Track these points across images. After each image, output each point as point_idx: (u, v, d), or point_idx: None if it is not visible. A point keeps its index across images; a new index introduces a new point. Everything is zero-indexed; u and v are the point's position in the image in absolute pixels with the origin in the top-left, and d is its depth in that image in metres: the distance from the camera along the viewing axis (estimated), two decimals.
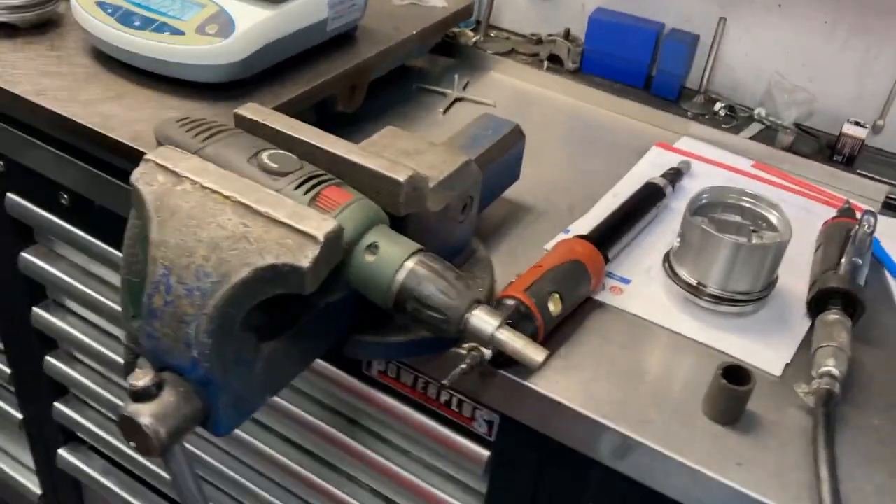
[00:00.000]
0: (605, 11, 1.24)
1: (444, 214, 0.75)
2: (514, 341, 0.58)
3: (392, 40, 1.09)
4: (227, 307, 0.56)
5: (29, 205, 1.09)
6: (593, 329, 0.81)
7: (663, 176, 0.99)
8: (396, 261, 0.58)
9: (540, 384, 0.74)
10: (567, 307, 0.78)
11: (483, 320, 0.58)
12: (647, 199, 0.94)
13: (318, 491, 1.01)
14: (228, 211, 0.57)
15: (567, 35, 1.27)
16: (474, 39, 1.31)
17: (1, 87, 0.90)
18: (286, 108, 0.93)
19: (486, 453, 0.85)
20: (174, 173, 0.60)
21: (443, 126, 1.12)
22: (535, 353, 0.58)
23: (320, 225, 0.55)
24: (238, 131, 0.66)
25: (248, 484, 1.09)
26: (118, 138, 0.82)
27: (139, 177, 0.60)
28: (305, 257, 0.54)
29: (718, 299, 0.82)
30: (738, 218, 0.87)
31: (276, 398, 0.99)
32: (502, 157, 0.89)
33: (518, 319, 0.73)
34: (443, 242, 0.77)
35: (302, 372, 0.70)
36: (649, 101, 1.20)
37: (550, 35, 1.28)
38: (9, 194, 1.10)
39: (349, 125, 1.08)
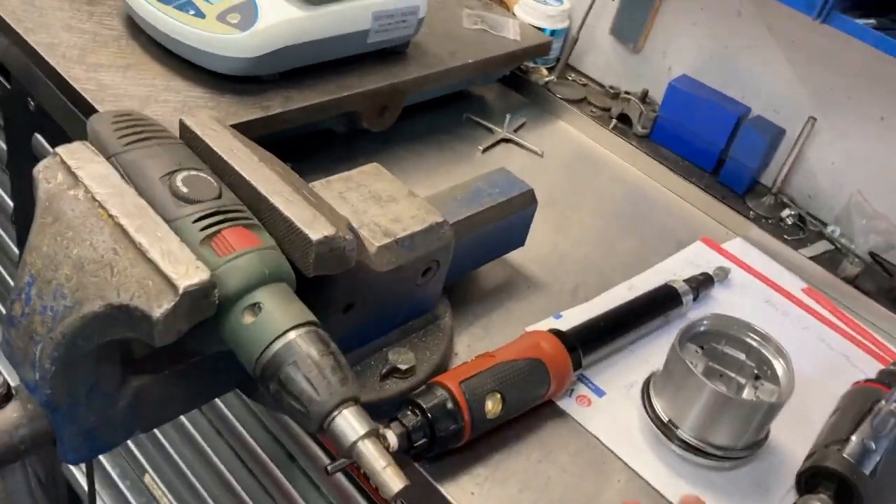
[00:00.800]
0: (690, 81, 1.12)
1: (398, 275, 0.67)
2: (373, 460, 0.50)
3: (440, 66, 1.02)
4: (75, 337, 0.50)
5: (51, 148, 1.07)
6: (540, 440, 0.71)
7: (687, 281, 0.87)
8: (274, 331, 0.51)
9: (450, 490, 0.66)
10: (510, 411, 0.69)
11: (348, 425, 0.50)
12: (654, 306, 0.83)
13: None
14: (106, 231, 0.51)
15: (644, 96, 1.16)
16: (547, 79, 1.21)
17: (19, 32, 0.87)
18: (294, 117, 0.87)
19: None
20: (73, 175, 0.54)
21: (475, 165, 1.04)
22: (391, 480, 0.49)
23: (188, 273, 0.49)
24: (174, 141, 0.60)
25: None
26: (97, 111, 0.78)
27: (41, 170, 0.55)
28: (159, 306, 0.48)
29: (690, 447, 0.71)
30: (742, 356, 0.75)
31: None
32: (503, 220, 0.80)
33: (441, 414, 0.64)
34: (392, 303, 0.70)
35: (190, 411, 0.64)
36: (713, 188, 1.07)
37: (627, 93, 1.17)
38: (36, 135, 1.09)
39: (377, 143, 1.01)
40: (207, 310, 0.50)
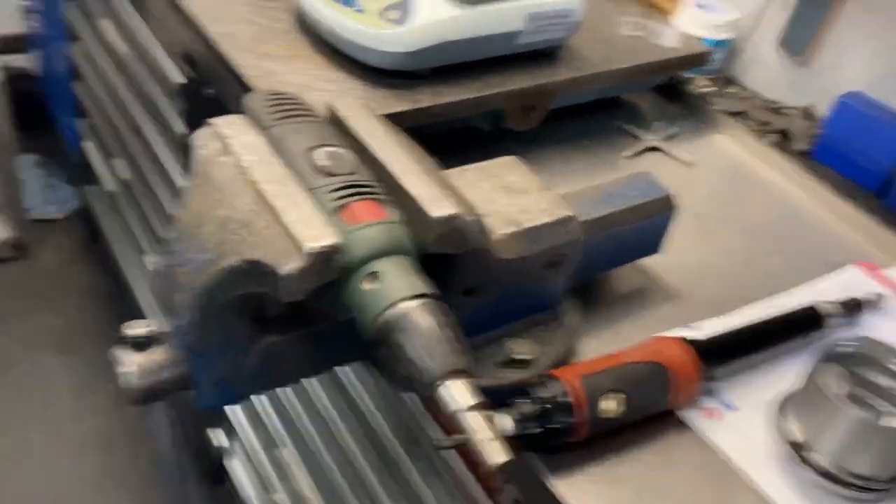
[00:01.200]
0: (861, 98, 1.05)
1: (522, 265, 0.68)
2: (480, 430, 0.50)
3: (591, 69, 1.01)
4: (212, 289, 0.54)
5: None
6: (661, 448, 0.69)
7: (835, 304, 0.82)
8: (391, 297, 0.53)
9: (561, 483, 0.65)
10: (630, 413, 0.67)
11: (453, 395, 0.51)
12: (796, 325, 0.79)
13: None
14: (249, 195, 0.55)
15: (807, 112, 1.10)
16: (705, 90, 1.18)
17: (203, 23, 0.96)
18: (442, 111, 0.90)
19: None
20: (225, 144, 0.59)
21: (619, 171, 1.02)
22: (496, 452, 0.50)
23: (315, 237, 0.52)
24: (319, 121, 0.64)
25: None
26: None
27: (198, 138, 0.61)
28: (286, 264, 0.51)
29: (828, 474, 0.66)
30: (891, 383, 0.69)
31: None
32: (638, 223, 0.79)
33: (557, 406, 0.64)
34: (515, 293, 0.70)
35: (316, 374, 0.68)
36: (876, 212, 1.00)
37: (789, 108, 1.11)
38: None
39: (521, 143, 1.02)
40: (330, 273, 0.53)
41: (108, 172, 1.81)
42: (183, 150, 1.28)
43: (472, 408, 0.51)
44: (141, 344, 0.59)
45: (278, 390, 1.19)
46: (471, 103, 0.91)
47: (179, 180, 1.34)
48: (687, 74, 1.19)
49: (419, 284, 0.54)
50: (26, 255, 2.33)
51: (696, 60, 1.12)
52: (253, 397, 1.34)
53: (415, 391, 0.52)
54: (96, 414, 1.94)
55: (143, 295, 1.75)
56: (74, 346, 2.10)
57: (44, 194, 2.48)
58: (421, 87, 0.91)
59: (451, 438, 0.55)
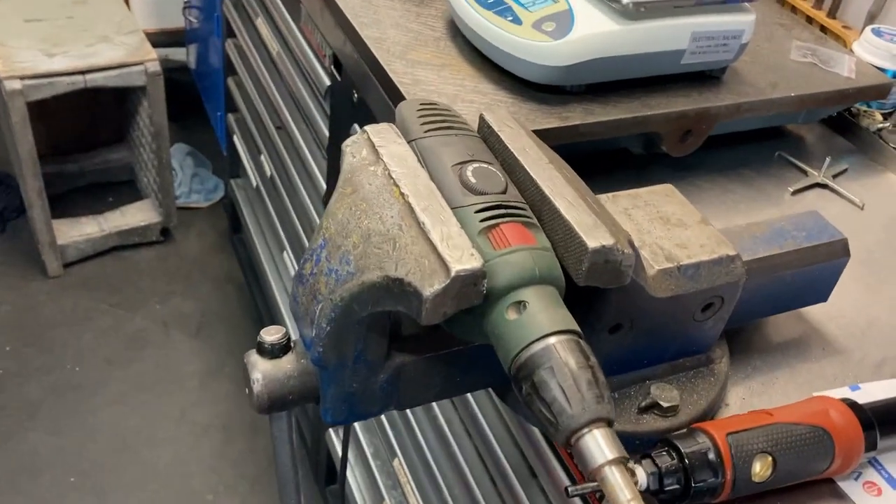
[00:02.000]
0: None
1: (675, 305, 0.63)
2: (619, 489, 0.45)
3: (757, 96, 0.94)
4: (352, 301, 0.52)
5: None
6: None
7: None
8: (535, 332, 0.49)
9: None
10: (780, 478, 0.61)
11: (597, 446, 0.46)
12: None
13: None
14: (396, 208, 0.53)
15: None
16: (880, 126, 1.08)
17: (355, 26, 0.95)
18: (592, 130, 0.85)
19: None
20: (376, 152, 0.57)
21: (782, 208, 0.95)
22: None
23: (462, 259, 0.49)
24: (471, 133, 0.61)
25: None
26: None
27: (349, 145, 0.59)
28: (430, 286, 0.48)
29: None
30: None
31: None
32: (805, 267, 0.72)
33: (700, 463, 0.58)
34: (664, 334, 0.65)
35: (442, 398, 0.65)
36: None
37: None
38: (355, 125, 1.19)
39: (674, 169, 0.96)
40: (474, 298, 0.50)
41: (254, 167, 1.86)
42: (327, 151, 1.30)
43: (611, 462, 0.46)
44: (275, 351, 0.58)
45: None
46: (625, 124, 0.86)
47: (322, 181, 1.36)
48: (860, 106, 1.10)
49: (566, 319, 0.50)
50: (171, 240, 2.44)
51: (874, 92, 1.03)
52: None
53: (550, 432, 0.48)
54: (220, 400, 2.00)
55: (279, 290, 1.79)
56: (205, 331, 2.18)
57: (191, 184, 2.60)
58: (572, 104, 0.87)
59: (584, 487, 0.51)
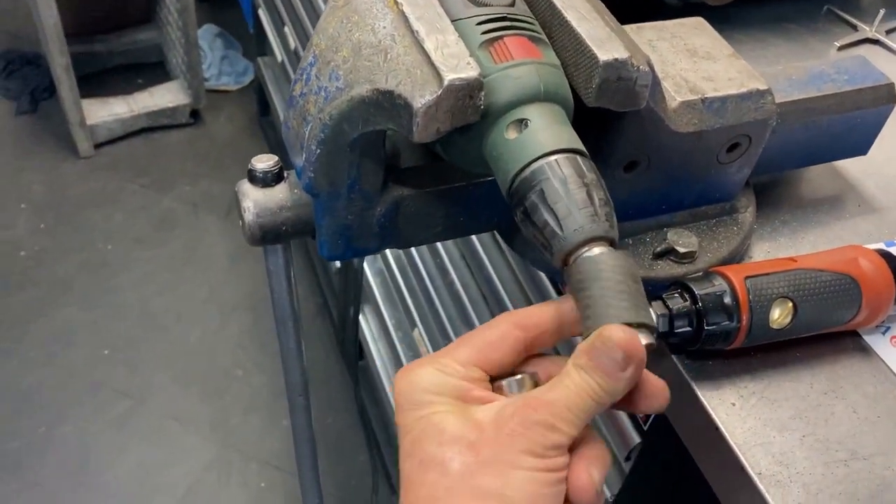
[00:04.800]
0: None
1: (698, 142, 0.58)
2: None
3: None
4: (341, 120, 0.48)
5: None
6: (830, 371, 0.59)
7: None
8: (541, 148, 0.45)
9: (707, 393, 0.57)
10: (800, 326, 0.57)
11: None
12: None
13: None
14: (389, 18, 0.48)
15: None
16: None
17: None
18: None
19: (636, 440, 0.70)
20: None
21: (824, 61, 0.87)
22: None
23: (457, 67, 0.44)
24: None
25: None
26: None
27: None
28: (422, 96, 0.44)
29: None
30: None
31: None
32: (844, 114, 0.66)
33: (714, 306, 0.55)
34: (685, 175, 0.60)
35: (444, 239, 0.62)
36: None
37: None
38: None
39: (712, 22, 0.89)
40: (471, 114, 0.46)
41: (279, 41, 1.81)
42: None
43: None
44: (267, 179, 0.55)
45: (420, 268, 1.16)
46: None
47: None
48: None
49: (574, 138, 0.46)
50: (200, 123, 2.42)
51: None
52: (390, 277, 1.32)
53: (547, 260, 0.45)
54: (246, 279, 2.02)
55: None
56: (234, 214, 2.17)
57: (221, 66, 2.55)
58: None
59: None
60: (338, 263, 1.60)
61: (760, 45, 0.89)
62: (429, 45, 0.46)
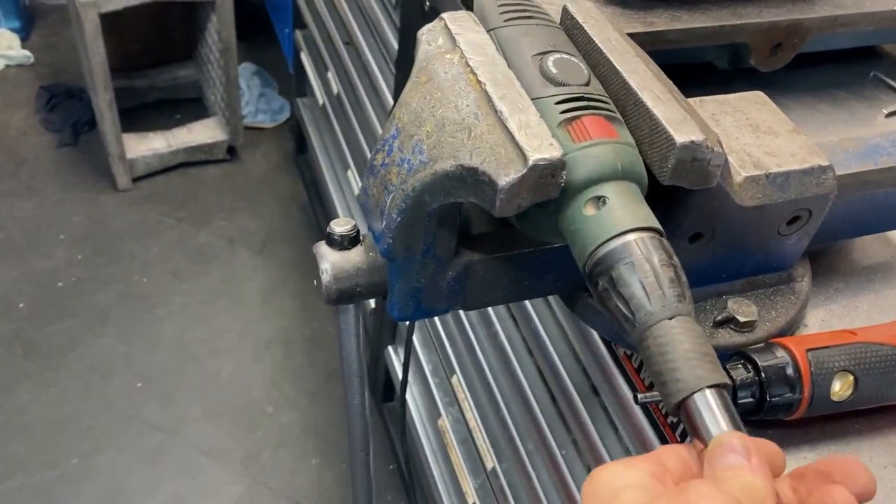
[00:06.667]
0: None
1: (760, 215, 0.60)
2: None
3: (857, 9, 0.88)
4: (423, 192, 0.51)
5: None
6: (890, 446, 0.60)
7: None
8: (614, 227, 0.47)
9: None
10: (861, 399, 0.58)
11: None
12: None
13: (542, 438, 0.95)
14: (472, 96, 0.51)
15: None
16: None
17: None
18: (676, 38, 0.81)
19: None
20: (453, 40, 0.54)
21: (871, 128, 0.89)
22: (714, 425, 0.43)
23: (540, 148, 0.46)
24: (552, 26, 0.58)
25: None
26: None
27: (425, 32, 0.56)
28: (506, 175, 0.46)
29: None
30: None
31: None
32: None
33: (777, 377, 0.56)
34: (746, 246, 0.62)
35: (509, 301, 0.64)
36: None
37: None
38: None
39: (760, 86, 0.90)
40: (552, 191, 0.48)
41: (320, 84, 1.85)
42: (395, 65, 1.27)
43: None
44: (344, 243, 0.57)
45: (461, 316, 1.18)
46: (712, 32, 0.82)
47: (389, 97, 1.34)
48: None
49: (647, 216, 0.48)
50: (237, 159, 2.46)
51: None
52: (428, 322, 1.34)
53: (626, 329, 0.47)
54: (281, 316, 2.04)
55: (342, 209, 1.80)
56: (269, 248, 2.21)
57: (258, 103, 2.60)
58: (657, 10, 0.82)
59: (654, 395, 0.49)
60: (373, 303, 1.62)
61: (808, 111, 0.90)
62: (512, 125, 0.48)
